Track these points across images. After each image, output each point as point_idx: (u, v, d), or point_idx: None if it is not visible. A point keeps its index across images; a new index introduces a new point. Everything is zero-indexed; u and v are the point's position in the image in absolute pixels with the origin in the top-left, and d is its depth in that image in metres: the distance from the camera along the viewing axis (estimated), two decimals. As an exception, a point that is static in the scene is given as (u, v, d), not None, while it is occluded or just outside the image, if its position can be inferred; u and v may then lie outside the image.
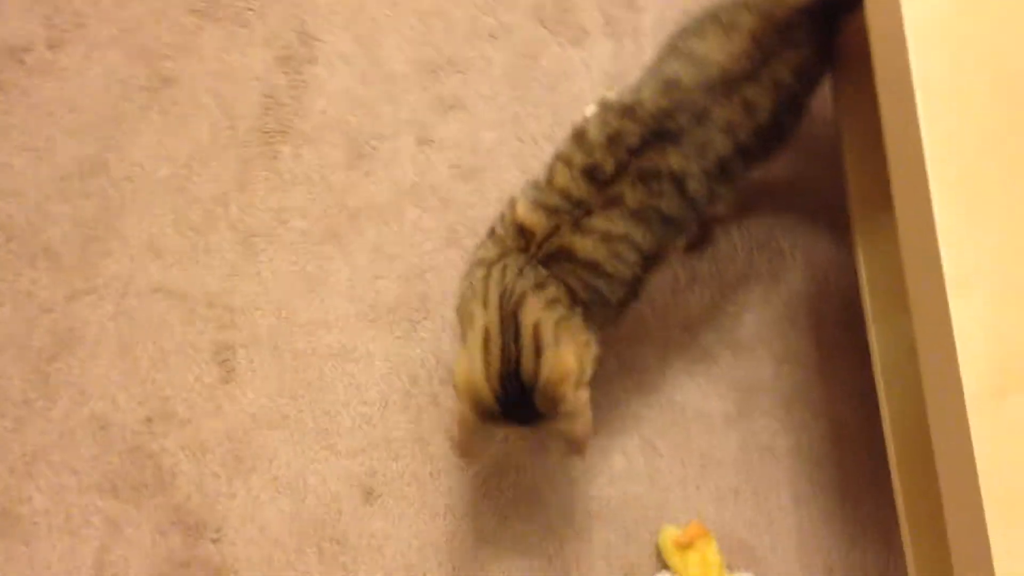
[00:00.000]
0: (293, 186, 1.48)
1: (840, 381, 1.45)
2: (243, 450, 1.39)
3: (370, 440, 1.41)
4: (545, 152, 1.40)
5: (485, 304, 1.12)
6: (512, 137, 1.51)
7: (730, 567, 1.38)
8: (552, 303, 1.12)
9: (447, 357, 1.44)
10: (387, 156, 1.50)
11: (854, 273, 1.29)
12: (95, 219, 1.45)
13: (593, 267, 1.14)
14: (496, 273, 1.13)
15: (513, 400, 1.10)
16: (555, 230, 1.13)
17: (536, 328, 1.10)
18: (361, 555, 1.37)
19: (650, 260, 1.18)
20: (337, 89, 1.52)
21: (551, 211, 1.14)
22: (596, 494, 1.41)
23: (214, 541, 1.36)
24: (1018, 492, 0.81)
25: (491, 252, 1.16)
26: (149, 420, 1.39)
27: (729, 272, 1.48)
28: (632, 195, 1.13)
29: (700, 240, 1.47)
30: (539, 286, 1.12)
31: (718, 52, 1.18)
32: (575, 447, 1.14)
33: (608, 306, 1.17)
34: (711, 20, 1.21)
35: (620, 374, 1.45)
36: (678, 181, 1.15)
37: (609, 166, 1.14)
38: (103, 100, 1.49)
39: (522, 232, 1.15)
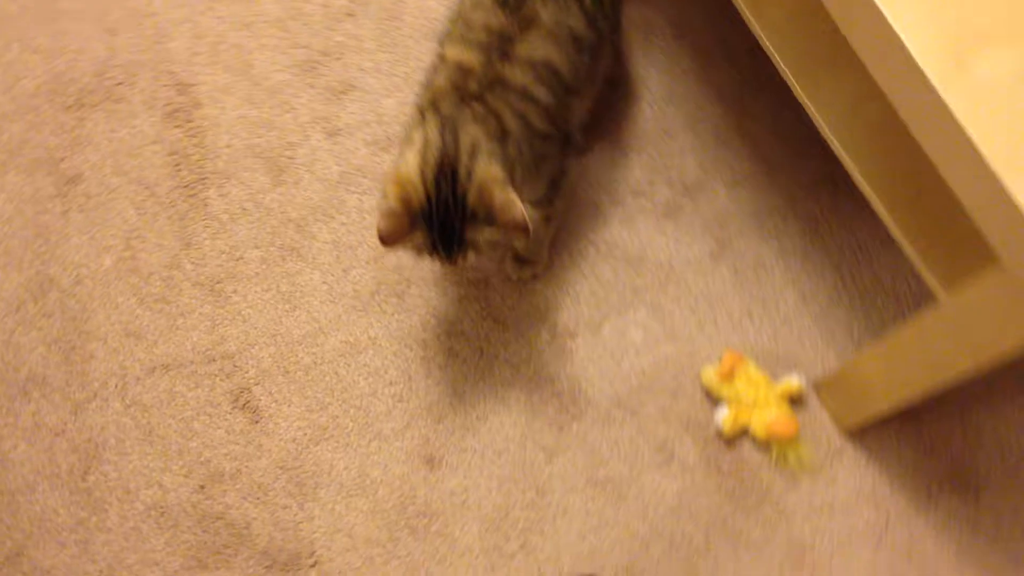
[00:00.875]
0: (234, 223, 1.50)
1: (792, 176, 1.54)
2: (300, 474, 1.41)
3: (410, 414, 1.44)
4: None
5: (425, 125, 1.20)
6: (409, 95, 1.55)
7: (775, 376, 1.45)
8: (488, 135, 1.20)
9: (443, 310, 1.48)
10: (306, 160, 1.53)
11: (772, 66, 1.37)
12: (65, 331, 1.45)
13: (522, 92, 1.22)
14: (437, 109, 1.21)
15: (443, 208, 1.17)
16: (488, 63, 1.22)
17: (473, 147, 1.18)
18: (450, 518, 1.40)
19: (570, 90, 1.28)
20: (232, 120, 1.54)
21: (480, 47, 1.22)
22: (631, 370, 1.46)
23: (313, 565, 1.37)
24: (1011, 135, 0.89)
25: (424, 98, 1.24)
26: (201, 487, 1.40)
27: (651, 128, 1.55)
28: (545, 12, 1.23)
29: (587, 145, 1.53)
30: (475, 117, 1.20)
31: None
32: (526, 259, 1.26)
33: (536, 137, 1.25)
34: None
35: (601, 258, 1.51)
36: None
37: None
38: (21, 223, 1.49)
39: (460, 70, 1.22)
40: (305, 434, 1.43)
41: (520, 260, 1.47)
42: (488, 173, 1.17)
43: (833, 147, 1.22)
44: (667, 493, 1.43)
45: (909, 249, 1.14)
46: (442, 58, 1.26)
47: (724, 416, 1.42)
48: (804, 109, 1.23)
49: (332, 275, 1.49)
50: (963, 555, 1.42)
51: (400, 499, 1.41)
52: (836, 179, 1.54)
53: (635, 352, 1.47)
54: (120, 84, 1.55)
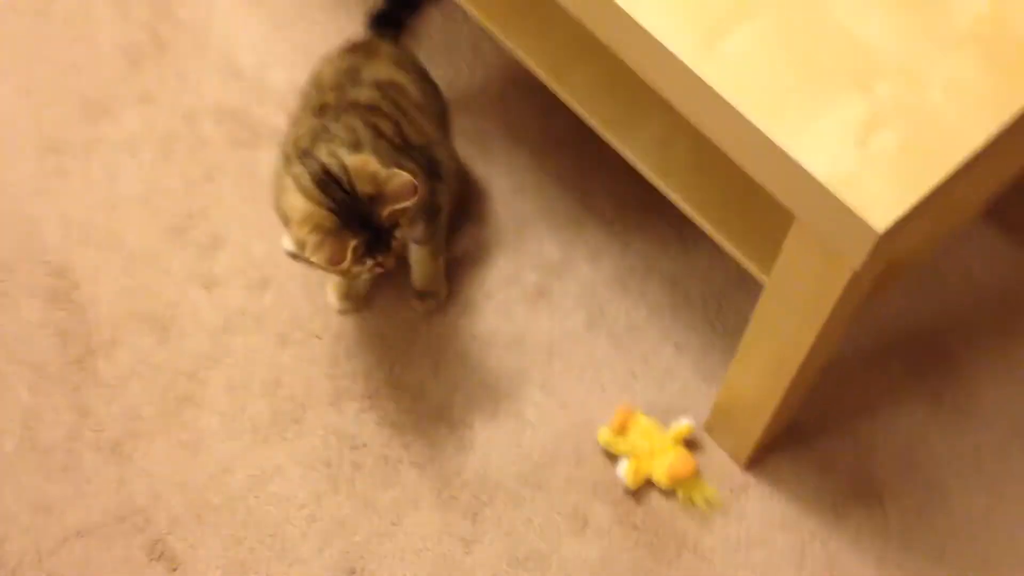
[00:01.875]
0: (125, 386, 1.54)
1: (644, 240, 1.64)
2: (226, 613, 1.41)
3: (325, 532, 1.46)
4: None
5: (290, 165, 1.30)
6: (277, 237, 1.64)
7: (667, 423, 1.51)
8: (341, 143, 1.32)
9: (342, 427, 1.52)
10: (187, 314, 1.59)
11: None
12: (-28, 521, 1.46)
13: (369, 107, 1.39)
14: (297, 148, 1.33)
15: (348, 210, 1.25)
16: (342, 95, 1.39)
17: (331, 152, 1.28)
18: (381, 625, 1.41)
19: (419, 106, 1.47)
20: (111, 292, 1.60)
21: (335, 87, 1.41)
22: (531, 447, 1.51)
23: None
24: (763, 94, 1.00)
25: (287, 147, 1.36)
26: (129, 646, 1.40)
27: (506, 221, 1.65)
28: (386, 47, 1.47)
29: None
30: (329, 138, 1.33)
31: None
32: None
33: (390, 146, 1.38)
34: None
35: (484, 349, 1.57)
36: None
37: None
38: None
39: (319, 110, 1.38)
40: (226, 571, 1.44)
41: (421, 295, 1.58)
42: (357, 159, 1.27)
43: (653, 181, 1.32)
44: (588, 558, 1.45)
45: (730, 247, 1.24)
46: (304, 109, 1.42)
47: (625, 469, 1.46)
48: (642, 178, 1.33)
49: (229, 415, 1.53)
50: (883, 562, 1.46)
51: (328, 617, 1.42)
52: (684, 235, 1.65)
53: (532, 430, 1.52)
54: (1, 282, 1.61)
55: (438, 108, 1.54)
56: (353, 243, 1.24)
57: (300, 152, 1.31)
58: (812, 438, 1.53)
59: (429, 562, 1.45)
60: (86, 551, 1.45)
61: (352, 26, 1.75)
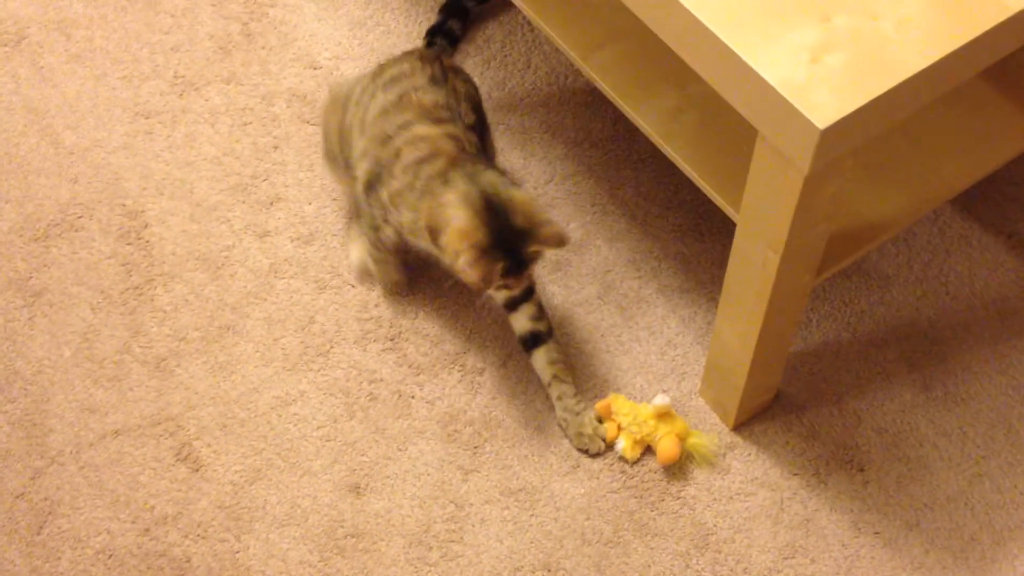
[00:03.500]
0: (177, 313, 1.71)
1: (662, 227, 1.76)
2: (237, 511, 1.54)
3: (336, 451, 1.58)
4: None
5: (451, 185, 1.45)
6: (330, 203, 1.81)
7: (662, 385, 1.60)
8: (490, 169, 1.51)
9: (364, 363, 1.65)
10: (239, 257, 1.76)
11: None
12: (27, 412, 1.62)
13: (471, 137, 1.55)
14: (455, 167, 1.48)
15: (499, 235, 1.41)
16: (455, 127, 1.54)
17: (494, 183, 1.45)
18: (376, 536, 1.51)
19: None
20: (176, 234, 1.79)
21: (439, 121, 1.53)
22: (535, 395, 1.62)
23: (249, 588, 1.48)
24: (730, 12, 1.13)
25: (433, 169, 1.50)
26: (147, 530, 1.53)
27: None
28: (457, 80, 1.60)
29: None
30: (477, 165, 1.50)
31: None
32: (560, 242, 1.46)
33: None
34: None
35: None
36: None
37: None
38: (-9, 329, 1.70)
39: (448, 138, 1.51)
40: (242, 476, 1.57)
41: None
42: (525, 196, 1.45)
43: (661, 146, 1.46)
44: (576, 495, 1.54)
45: (713, 193, 1.37)
46: (419, 139, 1.53)
47: (623, 447, 1.55)
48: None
49: (264, 344, 1.68)
50: (858, 525, 1.51)
51: (329, 524, 1.53)
52: (701, 227, 1.77)
53: (538, 381, 1.64)
54: (80, 217, 1.81)
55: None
56: (500, 265, 1.41)
57: (463, 175, 1.46)
58: (801, 409, 1.60)
59: (428, 485, 1.55)
60: (120, 448, 1.59)
61: (419, 30, 1.96)
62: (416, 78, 1.57)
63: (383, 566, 1.50)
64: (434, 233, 1.44)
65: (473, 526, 1.52)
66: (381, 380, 1.65)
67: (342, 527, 1.53)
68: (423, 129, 1.52)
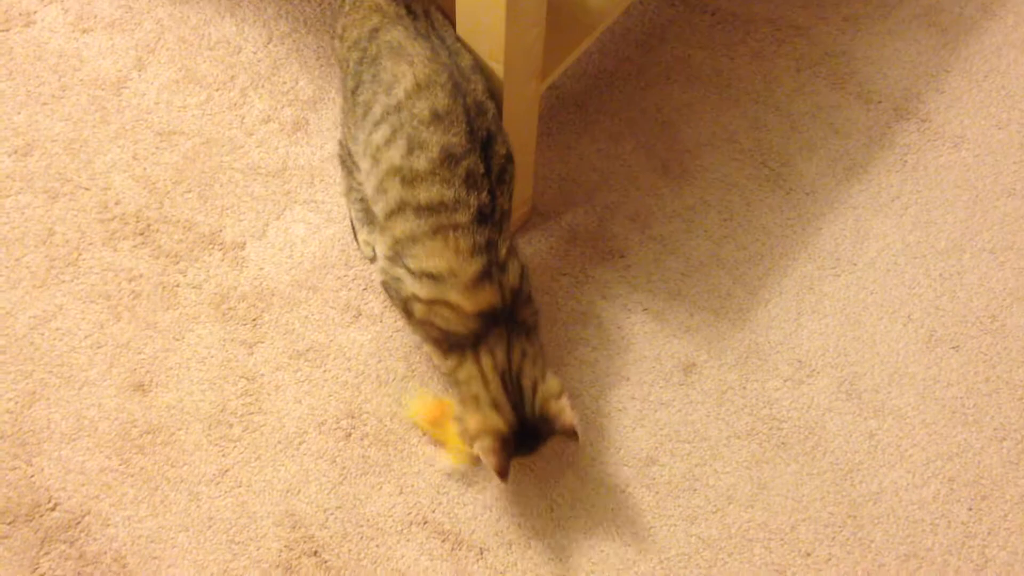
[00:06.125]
0: None
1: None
2: (21, 437, 1.48)
3: (111, 355, 1.53)
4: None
5: (486, 384, 1.36)
6: (41, 109, 1.70)
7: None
8: (528, 337, 1.40)
9: (120, 264, 1.60)
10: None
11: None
12: None
13: (527, 299, 1.41)
14: (486, 359, 1.36)
15: (523, 432, 1.36)
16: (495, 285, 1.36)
17: (534, 384, 1.37)
18: (173, 428, 1.49)
19: None
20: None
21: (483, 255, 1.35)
22: (303, 257, 1.62)
23: (53, 508, 1.43)
24: None
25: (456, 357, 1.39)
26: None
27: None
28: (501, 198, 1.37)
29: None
30: (524, 353, 1.37)
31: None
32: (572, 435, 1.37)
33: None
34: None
35: (249, 179, 1.67)
36: None
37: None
38: None
39: (481, 315, 1.36)
40: (16, 403, 1.50)
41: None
42: (551, 389, 1.37)
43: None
44: (363, 343, 1.57)
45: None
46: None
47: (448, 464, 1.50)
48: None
49: (6, 267, 1.59)
50: (628, 306, 1.61)
51: (121, 427, 1.49)
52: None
53: (302, 242, 1.63)
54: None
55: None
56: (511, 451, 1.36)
57: (488, 351, 1.36)
58: (557, 215, 1.67)
59: (215, 367, 1.54)
60: None
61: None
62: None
63: (187, 453, 1.48)
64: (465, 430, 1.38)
65: (269, 394, 1.53)
66: (140, 276, 1.59)
67: (135, 427, 1.49)
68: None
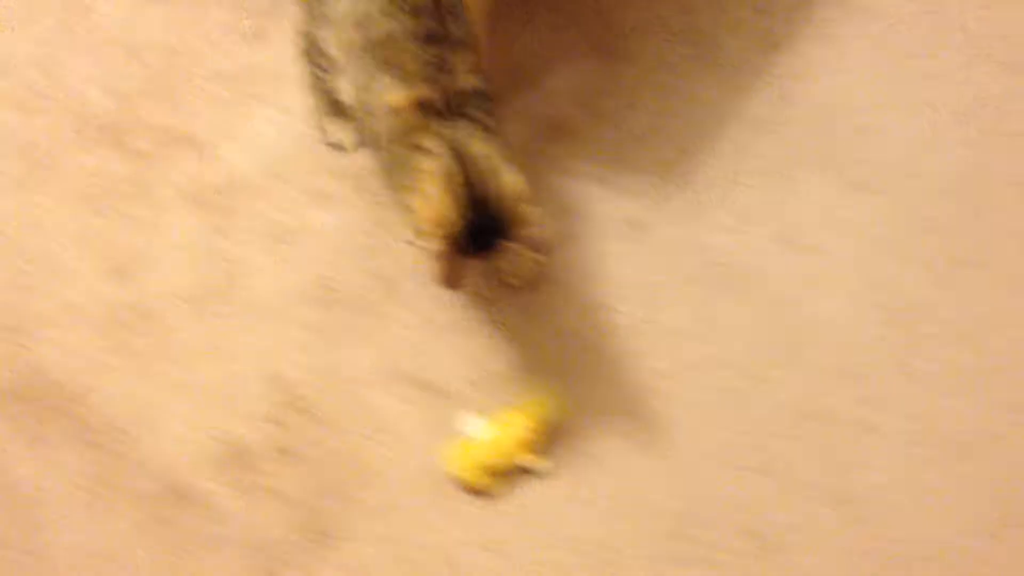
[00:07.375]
0: None
1: None
2: (15, 323, 1.57)
3: (89, 247, 1.64)
4: None
5: (430, 154, 1.31)
6: None
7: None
8: (483, 138, 1.34)
9: (96, 166, 1.70)
10: None
11: None
12: None
13: (480, 94, 1.39)
14: (426, 140, 1.32)
15: (479, 228, 1.29)
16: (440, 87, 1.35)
17: (488, 159, 1.32)
18: (159, 310, 1.60)
19: None
20: None
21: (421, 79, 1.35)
22: (272, 158, 1.72)
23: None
24: None
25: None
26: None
27: None
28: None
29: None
30: (466, 130, 1.34)
31: None
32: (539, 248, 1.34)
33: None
34: None
35: (217, 88, 1.78)
36: None
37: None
38: None
39: (420, 107, 1.34)
40: (14, 295, 1.60)
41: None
42: (515, 184, 1.29)
43: None
44: (333, 223, 1.68)
45: None
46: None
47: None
48: None
49: None
50: (577, 179, 1.73)
51: (111, 311, 1.60)
52: None
53: (271, 139, 1.74)
54: None
55: None
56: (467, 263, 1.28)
57: (442, 142, 1.32)
58: (508, 100, 1.79)
59: (196, 252, 1.65)
60: None
61: None
62: None
63: (175, 330, 1.59)
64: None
65: (250, 274, 1.64)
66: (118, 176, 1.70)
67: (125, 310, 1.61)
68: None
